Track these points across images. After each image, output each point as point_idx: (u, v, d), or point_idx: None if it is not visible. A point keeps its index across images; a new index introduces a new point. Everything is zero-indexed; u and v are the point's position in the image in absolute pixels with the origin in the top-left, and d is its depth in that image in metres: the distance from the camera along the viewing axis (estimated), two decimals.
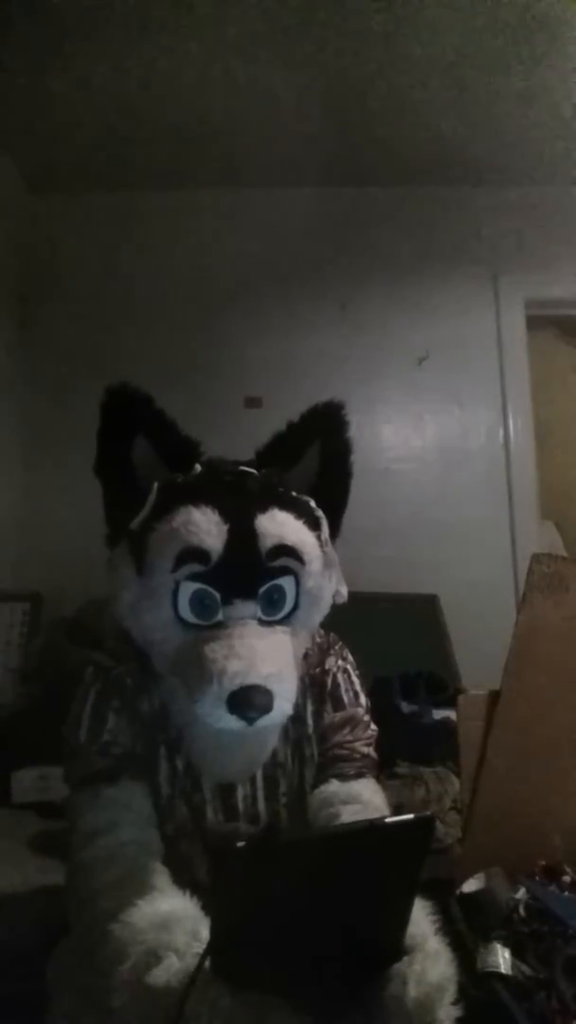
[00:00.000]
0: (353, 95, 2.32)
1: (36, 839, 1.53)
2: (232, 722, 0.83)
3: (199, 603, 0.87)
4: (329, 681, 1.06)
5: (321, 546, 0.95)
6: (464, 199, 2.82)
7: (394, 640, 2.08)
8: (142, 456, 0.92)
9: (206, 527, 0.86)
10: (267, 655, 0.85)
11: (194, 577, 0.87)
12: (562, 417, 2.95)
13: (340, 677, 1.07)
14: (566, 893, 1.10)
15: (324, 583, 0.96)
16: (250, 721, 0.83)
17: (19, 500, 2.59)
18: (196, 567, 0.86)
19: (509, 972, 0.93)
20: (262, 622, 0.89)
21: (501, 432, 2.80)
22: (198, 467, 0.93)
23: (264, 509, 0.90)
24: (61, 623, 2.22)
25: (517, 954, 0.96)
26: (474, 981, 0.92)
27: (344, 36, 2.06)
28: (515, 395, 2.80)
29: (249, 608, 0.88)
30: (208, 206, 2.80)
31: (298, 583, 0.92)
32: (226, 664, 0.83)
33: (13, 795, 1.74)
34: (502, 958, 0.94)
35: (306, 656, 1.03)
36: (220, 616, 0.88)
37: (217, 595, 0.87)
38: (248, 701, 0.82)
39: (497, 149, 2.60)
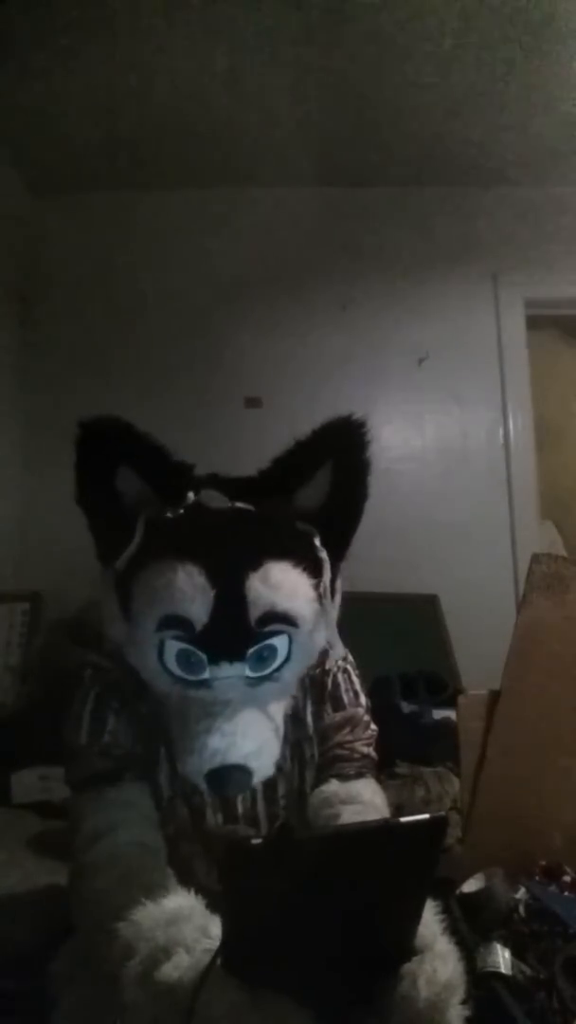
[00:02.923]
0: (353, 95, 2.32)
1: (36, 839, 1.53)
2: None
3: (185, 660, 0.85)
4: (329, 681, 1.06)
5: (319, 598, 0.89)
6: (464, 199, 2.83)
7: (394, 640, 2.08)
8: (128, 484, 0.88)
9: (191, 593, 0.82)
10: (249, 730, 0.83)
11: (179, 639, 0.84)
12: (562, 417, 2.95)
13: (340, 677, 1.07)
14: (566, 893, 1.10)
15: (318, 636, 0.92)
16: (227, 796, 0.84)
17: (19, 500, 2.59)
18: (180, 632, 0.84)
19: (509, 972, 0.93)
20: (251, 679, 0.86)
21: (501, 432, 2.80)
22: (190, 496, 0.88)
23: (256, 565, 0.85)
24: (61, 623, 2.22)
25: (517, 954, 0.96)
26: (474, 981, 0.91)
27: (344, 36, 2.06)
28: (515, 395, 2.81)
29: (237, 668, 0.85)
30: (208, 206, 2.80)
31: (291, 640, 0.88)
32: (207, 740, 0.82)
33: (13, 795, 1.74)
34: (502, 958, 0.94)
35: None
36: (207, 674, 0.85)
37: (203, 656, 0.85)
38: (226, 780, 0.82)
39: (497, 149, 2.61)
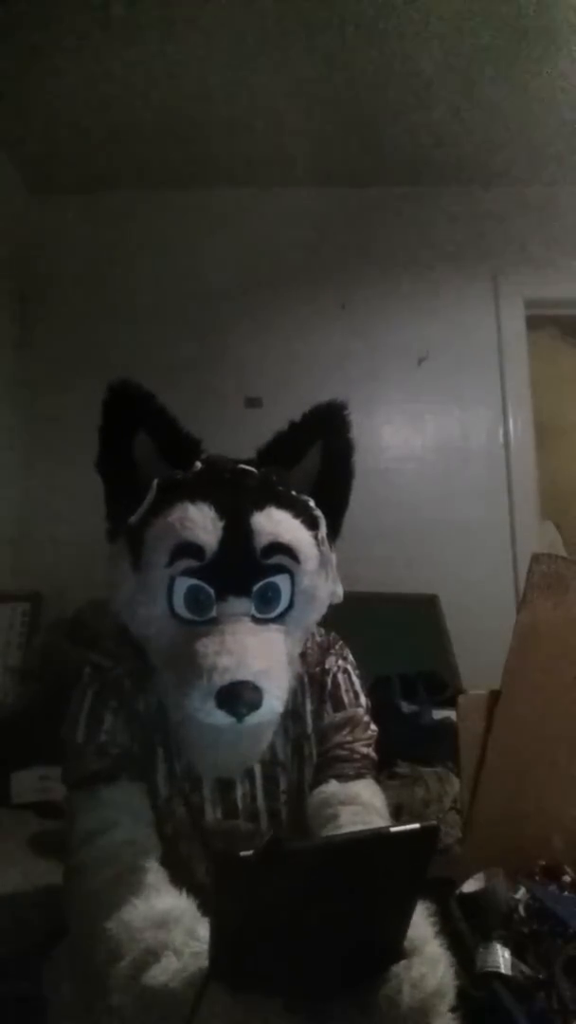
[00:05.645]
0: (353, 95, 2.32)
1: (36, 839, 1.53)
2: (221, 718, 0.83)
3: (193, 599, 0.88)
4: (329, 681, 1.06)
5: (318, 545, 0.94)
6: (464, 199, 2.82)
7: (394, 640, 2.08)
8: (143, 453, 0.92)
9: (201, 523, 0.87)
10: (258, 652, 0.85)
11: (188, 572, 0.87)
12: (562, 417, 2.95)
13: (340, 677, 1.07)
14: (566, 893, 1.10)
15: (320, 583, 0.96)
16: (239, 717, 0.83)
17: (19, 500, 2.59)
18: (190, 563, 0.87)
19: (509, 972, 0.93)
20: (256, 620, 0.89)
21: (501, 432, 2.80)
22: (199, 464, 0.93)
23: (261, 507, 0.90)
24: (61, 623, 2.22)
25: (517, 954, 0.96)
26: (474, 981, 0.92)
27: (344, 37, 2.06)
28: (515, 395, 2.80)
29: (243, 605, 0.88)
30: (207, 206, 2.79)
31: (293, 582, 0.92)
32: (216, 660, 0.83)
33: (13, 795, 1.74)
34: (502, 958, 0.94)
35: (306, 655, 1.03)
36: (214, 612, 0.88)
37: (211, 591, 0.87)
38: (237, 697, 0.82)
39: (497, 149, 2.60)
